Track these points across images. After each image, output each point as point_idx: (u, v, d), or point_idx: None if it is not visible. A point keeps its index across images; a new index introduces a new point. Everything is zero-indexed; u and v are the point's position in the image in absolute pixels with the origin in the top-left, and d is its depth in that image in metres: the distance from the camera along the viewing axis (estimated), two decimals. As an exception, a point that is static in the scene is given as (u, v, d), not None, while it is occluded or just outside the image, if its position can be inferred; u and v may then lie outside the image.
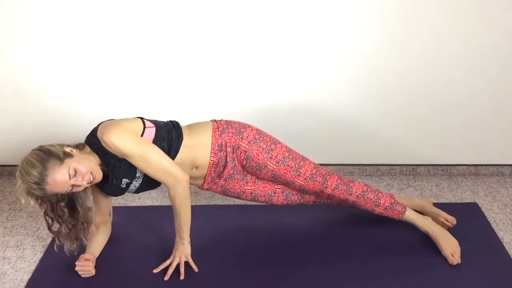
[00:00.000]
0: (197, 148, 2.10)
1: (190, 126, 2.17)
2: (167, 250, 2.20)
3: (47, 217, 2.05)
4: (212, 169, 2.15)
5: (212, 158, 2.12)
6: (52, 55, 2.61)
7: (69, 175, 1.88)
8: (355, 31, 2.52)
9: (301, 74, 2.64)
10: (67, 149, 1.94)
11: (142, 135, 2.00)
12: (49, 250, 2.31)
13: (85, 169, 1.91)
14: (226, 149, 2.12)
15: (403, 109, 2.71)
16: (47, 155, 1.87)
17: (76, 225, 2.08)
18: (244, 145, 2.13)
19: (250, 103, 2.71)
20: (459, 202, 2.63)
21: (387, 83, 2.64)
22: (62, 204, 2.03)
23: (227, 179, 2.20)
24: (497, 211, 2.55)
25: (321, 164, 2.87)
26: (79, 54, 2.60)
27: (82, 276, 2.09)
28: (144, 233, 2.40)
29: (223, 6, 2.48)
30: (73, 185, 1.91)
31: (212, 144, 2.11)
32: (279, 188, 2.27)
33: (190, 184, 2.18)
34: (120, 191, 2.14)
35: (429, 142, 2.81)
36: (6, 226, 2.52)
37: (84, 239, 2.12)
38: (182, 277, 2.08)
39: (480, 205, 2.58)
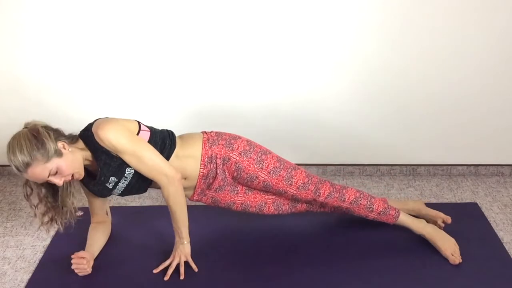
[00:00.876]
0: (187, 160, 2.11)
1: (181, 137, 2.17)
2: (167, 250, 2.20)
3: (26, 186, 2.04)
4: (202, 181, 2.15)
5: (202, 170, 2.12)
6: (52, 55, 2.61)
7: (49, 173, 1.89)
8: (356, 32, 2.52)
9: (301, 75, 2.64)
10: (60, 145, 1.91)
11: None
12: (49, 250, 2.31)
13: (67, 171, 1.92)
14: (216, 161, 2.12)
15: (403, 109, 2.71)
16: (38, 146, 1.86)
17: (55, 207, 2.07)
18: (234, 156, 2.12)
19: (250, 104, 2.71)
20: (459, 202, 2.63)
21: (387, 83, 2.64)
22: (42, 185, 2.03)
23: (217, 190, 2.20)
24: (497, 211, 2.55)
25: (321, 164, 2.90)
26: (79, 54, 2.60)
27: (78, 274, 2.08)
28: (144, 233, 2.40)
29: (223, 7, 2.48)
30: (49, 180, 1.92)
31: (202, 156, 2.11)
32: (270, 199, 2.26)
33: None
34: (106, 191, 2.12)
35: (429, 142, 2.81)
36: (6, 226, 2.52)
37: (60, 225, 2.10)
38: (182, 277, 2.08)
39: (480, 205, 2.58)
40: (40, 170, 1.87)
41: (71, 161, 1.93)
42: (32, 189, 2.04)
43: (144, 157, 1.98)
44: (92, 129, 1.97)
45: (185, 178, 2.13)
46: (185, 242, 2.12)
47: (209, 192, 2.21)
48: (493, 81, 2.63)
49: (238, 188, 2.22)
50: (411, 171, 2.91)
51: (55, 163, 1.88)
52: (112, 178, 2.05)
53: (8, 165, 2.97)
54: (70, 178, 1.96)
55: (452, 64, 2.59)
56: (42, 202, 2.06)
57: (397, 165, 2.90)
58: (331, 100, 2.69)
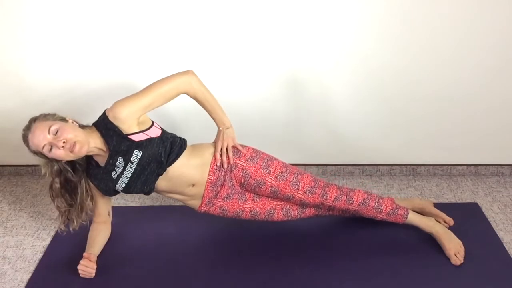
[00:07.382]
0: (196, 167, 2.14)
1: (193, 146, 2.21)
2: (167, 250, 2.20)
3: (51, 189, 2.14)
4: (210, 188, 2.16)
5: (210, 177, 2.14)
6: (53, 55, 2.61)
7: (49, 131, 1.93)
8: (355, 31, 2.52)
9: (301, 74, 2.63)
10: (68, 118, 2.04)
11: (148, 129, 2.05)
12: (49, 250, 2.32)
13: (70, 134, 1.94)
14: (224, 168, 2.16)
15: (403, 109, 2.71)
16: (46, 114, 2.01)
17: (73, 206, 2.15)
18: (241, 163, 2.15)
19: (249, 104, 2.70)
20: (459, 202, 2.63)
21: (387, 83, 2.64)
22: (57, 180, 2.11)
23: (225, 198, 2.21)
24: (497, 211, 2.55)
25: (321, 165, 2.90)
26: (80, 54, 2.60)
27: (82, 276, 2.08)
28: (144, 233, 2.40)
29: (223, 5, 2.48)
30: (51, 144, 1.94)
31: (211, 162, 2.14)
32: (278, 205, 2.26)
33: (187, 204, 2.23)
34: (111, 183, 2.10)
35: (429, 142, 2.81)
36: (6, 226, 2.53)
37: (75, 222, 2.17)
38: (231, 161, 2.14)
39: (480, 205, 2.58)
40: (43, 126, 1.94)
41: (75, 129, 1.99)
42: (55, 192, 2.14)
43: (151, 85, 2.05)
44: (106, 111, 2.03)
45: (193, 185, 2.15)
46: (229, 127, 2.16)
47: (216, 201, 2.22)
48: (492, 80, 2.62)
49: (246, 196, 2.23)
50: (411, 171, 2.91)
51: (56, 123, 1.96)
52: (120, 160, 2.03)
53: (8, 165, 2.97)
54: (70, 146, 1.93)
55: (452, 64, 2.58)
56: (60, 198, 2.14)
57: (397, 165, 2.90)
58: (331, 100, 2.69)
